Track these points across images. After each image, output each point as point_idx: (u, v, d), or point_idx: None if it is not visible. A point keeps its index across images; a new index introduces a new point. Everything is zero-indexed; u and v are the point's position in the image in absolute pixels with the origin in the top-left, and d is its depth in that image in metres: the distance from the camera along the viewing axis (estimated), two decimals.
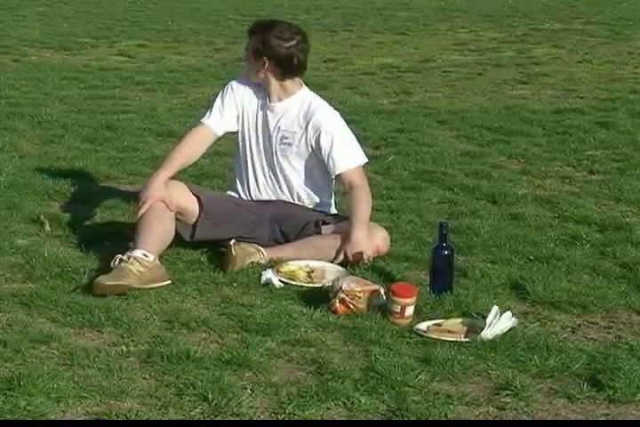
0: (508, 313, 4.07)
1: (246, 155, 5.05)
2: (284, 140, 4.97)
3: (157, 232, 4.66)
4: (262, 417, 3.39)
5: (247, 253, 4.72)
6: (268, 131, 4.99)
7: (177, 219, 4.80)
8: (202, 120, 5.06)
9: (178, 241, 4.83)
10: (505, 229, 5.39)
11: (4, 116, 8.10)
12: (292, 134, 4.96)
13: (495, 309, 4.05)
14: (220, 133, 5.07)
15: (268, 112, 4.98)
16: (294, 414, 3.39)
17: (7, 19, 15.61)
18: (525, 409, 3.49)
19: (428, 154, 7.12)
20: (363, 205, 4.87)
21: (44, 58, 11.90)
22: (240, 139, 5.06)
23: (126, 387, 3.53)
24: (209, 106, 5.10)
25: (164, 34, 14.30)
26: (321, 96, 5.13)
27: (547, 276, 4.69)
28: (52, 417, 3.34)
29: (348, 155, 4.96)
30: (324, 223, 4.94)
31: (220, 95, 5.06)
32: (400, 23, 16.01)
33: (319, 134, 4.92)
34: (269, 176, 5.03)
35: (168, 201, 4.75)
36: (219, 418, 3.37)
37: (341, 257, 4.75)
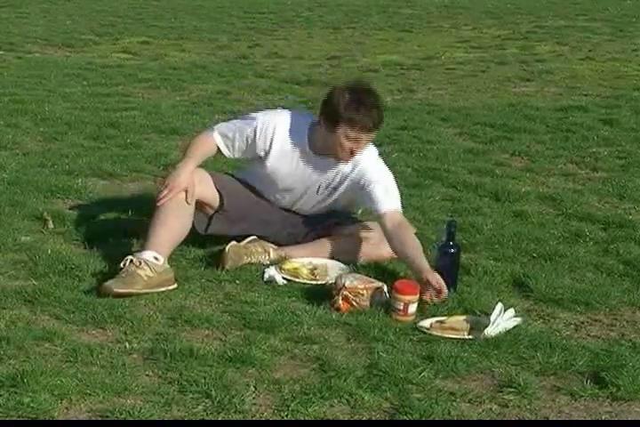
0: (513, 312, 4.07)
1: (271, 187, 4.91)
2: (330, 186, 4.84)
3: (172, 230, 4.61)
4: (265, 414, 3.40)
5: (247, 253, 4.70)
6: (311, 178, 4.83)
7: (195, 208, 4.73)
8: (213, 134, 4.85)
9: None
10: (508, 227, 5.39)
11: (7, 114, 8.10)
12: (340, 183, 4.82)
13: (499, 306, 4.05)
14: (220, 151, 4.89)
15: (316, 161, 4.80)
16: (297, 411, 3.39)
17: (11, 16, 15.63)
18: (528, 407, 3.50)
19: (431, 151, 7.12)
20: (419, 247, 4.55)
21: (48, 55, 11.90)
22: (268, 174, 4.86)
23: (129, 384, 3.54)
24: (229, 119, 4.94)
25: (167, 31, 14.31)
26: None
27: (550, 273, 4.69)
28: (56, 414, 3.34)
29: (395, 197, 4.77)
30: (337, 224, 4.91)
31: (241, 126, 4.83)
32: (403, 20, 16.01)
33: (370, 184, 4.73)
34: (294, 204, 4.95)
35: (191, 192, 4.70)
36: (221, 415, 3.37)
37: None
